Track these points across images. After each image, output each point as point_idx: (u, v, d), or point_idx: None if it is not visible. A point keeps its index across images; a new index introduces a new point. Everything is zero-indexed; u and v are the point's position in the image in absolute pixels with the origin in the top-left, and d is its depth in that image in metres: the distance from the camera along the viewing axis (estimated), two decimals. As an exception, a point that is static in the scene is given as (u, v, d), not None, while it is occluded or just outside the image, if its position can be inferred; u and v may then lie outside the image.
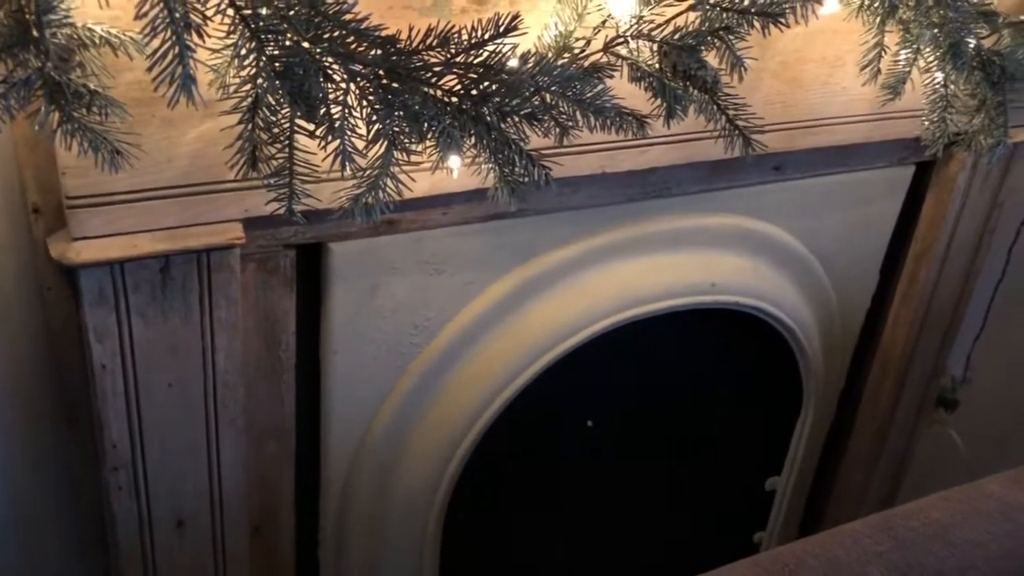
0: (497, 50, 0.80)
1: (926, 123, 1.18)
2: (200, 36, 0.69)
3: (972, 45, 1.09)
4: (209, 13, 0.69)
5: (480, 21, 0.78)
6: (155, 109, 0.85)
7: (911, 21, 1.05)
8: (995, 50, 1.14)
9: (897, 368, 1.72)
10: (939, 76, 1.12)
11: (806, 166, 1.37)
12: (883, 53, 1.07)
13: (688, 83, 0.93)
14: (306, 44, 0.73)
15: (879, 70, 1.08)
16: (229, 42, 0.72)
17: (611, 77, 0.91)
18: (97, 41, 0.73)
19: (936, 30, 1.05)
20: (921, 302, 1.65)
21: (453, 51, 0.79)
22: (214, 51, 0.74)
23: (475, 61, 0.79)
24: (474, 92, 0.80)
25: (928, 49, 1.08)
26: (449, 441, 1.29)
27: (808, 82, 1.24)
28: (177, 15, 0.67)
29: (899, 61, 1.09)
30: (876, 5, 1.01)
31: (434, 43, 0.78)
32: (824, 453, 1.83)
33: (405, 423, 1.27)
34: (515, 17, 0.77)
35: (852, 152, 1.38)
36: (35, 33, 0.65)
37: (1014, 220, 1.68)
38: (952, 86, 1.14)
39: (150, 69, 0.68)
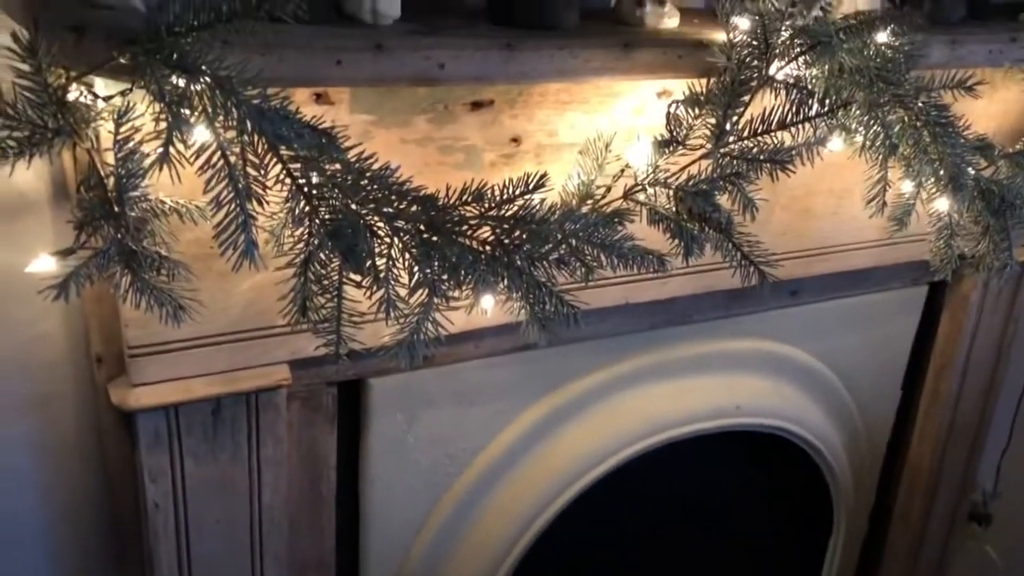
0: (527, 203, 0.87)
1: (933, 249, 1.23)
2: (260, 204, 0.76)
3: (971, 176, 1.15)
4: (269, 183, 0.77)
5: (511, 180, 0.85)
6: (212, 264, 0.92)
7: (912, 157, 1.11)
8: (994, 180, 1.20)
9: (926, 483, 1.73)
10: (942, 206, 1.18)
11: (822, 290, 1.42)
12: (888, 187, 1.13)
13: (703, 224, 1.00)
14: (354, 206, 0.80)
15: (885, 203, 1.14)
16: (285, 206, 0.79)
17: (631, 222, 0.98)
18: (167, 211, 0.80)
19: (936, 164, 1.11)
20: (945, 416, 1.67)
21: (487, 206, 0.86)
22: (271, 215, 0.81)
23: (507, 214, 0.86)
24: (506, 241, 0.87)
25: (930, 182, 1.13)
26: (484, 571, 1.30)
27: (818, 212, 1.30)
28: (240, 186, 0.75)
29: (903, 194, 1.14)
30: (878, 145, 1.07)
31: (469, 199, 0.85)
32: (858, 571, 1.82)
33: (440, 552, 1.29)
34: (543, 176, 0.84)
35: (865, 275, 1.43)
36: (116, 208, 0.72)
37: (1031, 334, 1.71)
38: (955, 215, 1.19)
39: (216, 237, 0.74)
